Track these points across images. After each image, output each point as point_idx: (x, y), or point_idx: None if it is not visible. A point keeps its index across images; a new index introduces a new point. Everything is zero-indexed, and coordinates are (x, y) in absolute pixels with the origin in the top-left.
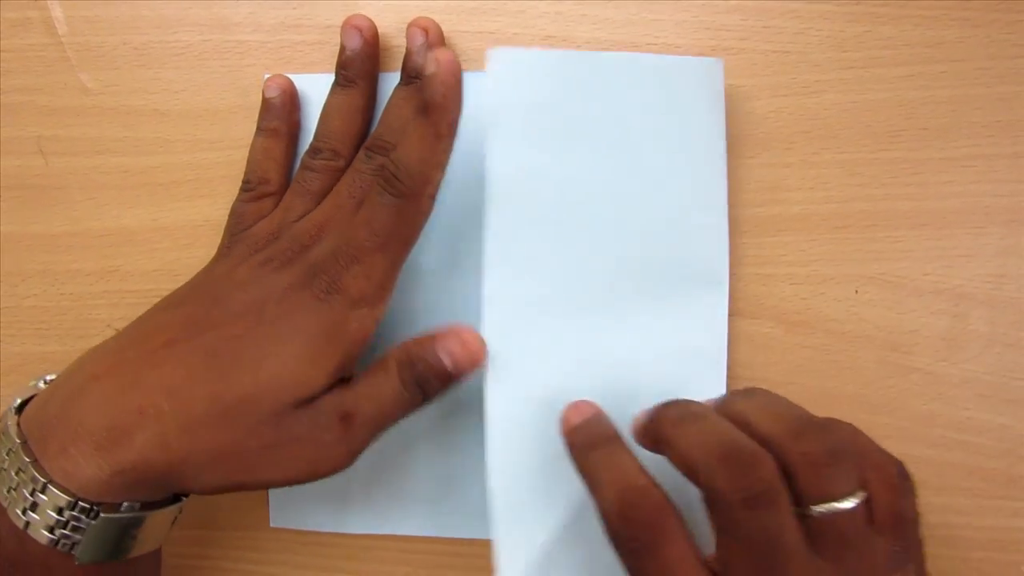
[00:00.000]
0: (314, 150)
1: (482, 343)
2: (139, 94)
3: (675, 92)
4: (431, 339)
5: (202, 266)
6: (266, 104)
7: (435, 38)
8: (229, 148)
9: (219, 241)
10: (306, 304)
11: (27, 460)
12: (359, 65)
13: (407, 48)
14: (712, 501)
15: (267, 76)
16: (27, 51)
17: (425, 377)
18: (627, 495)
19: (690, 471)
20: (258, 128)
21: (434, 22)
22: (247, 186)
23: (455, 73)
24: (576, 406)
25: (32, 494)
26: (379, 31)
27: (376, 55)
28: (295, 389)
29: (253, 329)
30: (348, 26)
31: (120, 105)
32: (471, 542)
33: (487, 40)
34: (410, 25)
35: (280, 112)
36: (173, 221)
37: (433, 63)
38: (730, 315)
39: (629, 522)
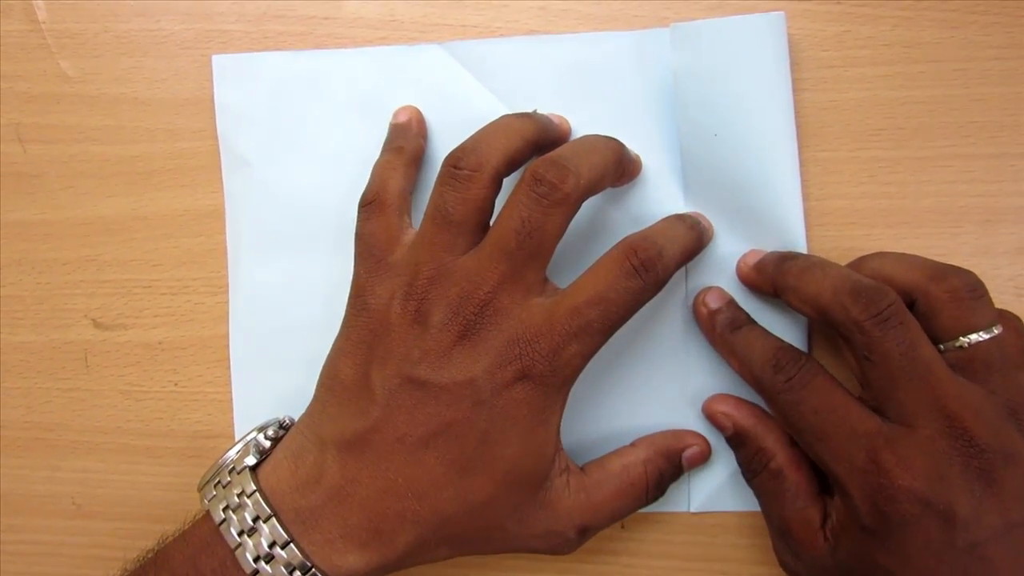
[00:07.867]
0: (457, 157)
1: (707, 442)
2: (120, 82)
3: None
4: (678, 451)
5: (183, 257)
6: (393, 128)
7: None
8: (210, 138)
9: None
10: (520, 384)
11: (286, 538)
12: (545, 128)
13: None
14: (848, 332)
15: (397, 108)
16: (6, 37)
17: (668, 483)
18: (779, 352)
19: (819, 310)
20: (382, 151)
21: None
22: (365, 200)
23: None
24: (712, 291)
25: (271, 562)
26: (365, 24)
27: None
28: (529, 483)
29: (472, 419)
30: (560, 120)
31: (101, 93)
32: None
33: (471, 33)
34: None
35: (406, 133)
36: (153, 211)
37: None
38: None
39: (782, 369)
